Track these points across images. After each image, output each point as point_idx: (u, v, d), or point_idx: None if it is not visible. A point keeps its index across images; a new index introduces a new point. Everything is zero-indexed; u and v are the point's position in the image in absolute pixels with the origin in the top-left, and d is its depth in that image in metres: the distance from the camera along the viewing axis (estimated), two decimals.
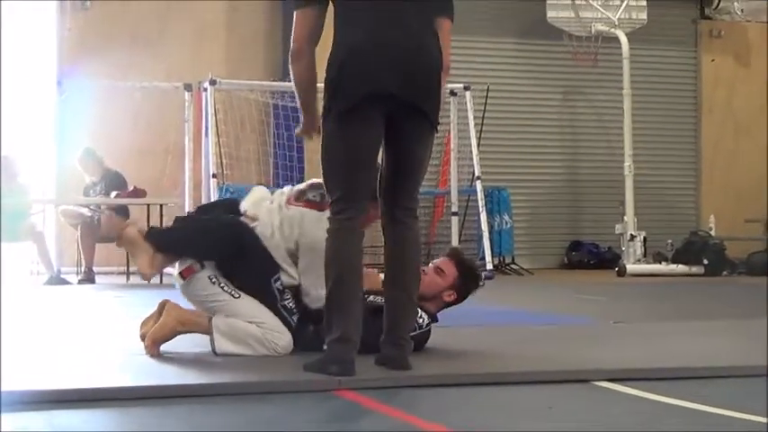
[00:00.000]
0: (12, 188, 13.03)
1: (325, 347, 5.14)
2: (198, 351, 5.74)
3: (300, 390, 4.86)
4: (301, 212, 5.99)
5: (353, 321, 5.11)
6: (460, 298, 6.17)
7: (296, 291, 5.85)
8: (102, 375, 5.17)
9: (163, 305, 5.99)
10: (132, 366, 5.40)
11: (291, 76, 5.59)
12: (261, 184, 8.93)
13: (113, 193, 13.00)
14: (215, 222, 5.99)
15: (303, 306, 5.83)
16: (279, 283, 5.78)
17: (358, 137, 5.21)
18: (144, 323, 6.13)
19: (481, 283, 6.28)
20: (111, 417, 4.41)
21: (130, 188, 13.08)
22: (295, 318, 5.78)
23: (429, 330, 5.99)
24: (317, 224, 5.74)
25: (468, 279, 6.15)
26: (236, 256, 5.82)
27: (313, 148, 16.73)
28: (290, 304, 5.79)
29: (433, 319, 6.09)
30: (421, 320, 5.87)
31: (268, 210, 6.05)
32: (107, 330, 6.98)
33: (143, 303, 8.00)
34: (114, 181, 13.18)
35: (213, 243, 5.84)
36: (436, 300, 6.07)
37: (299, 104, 5.71)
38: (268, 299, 5.75)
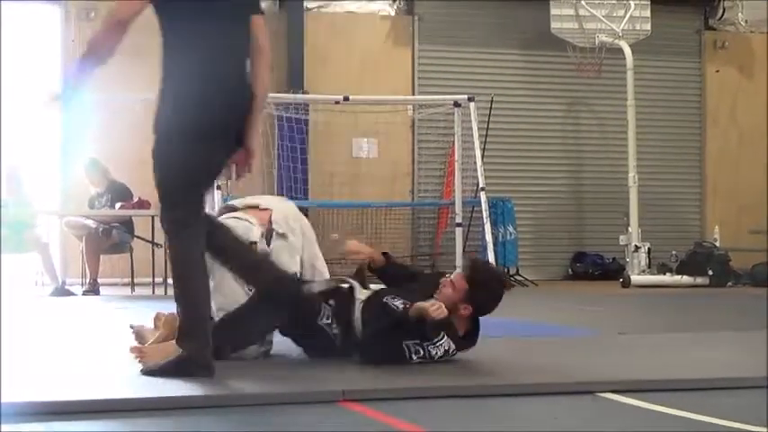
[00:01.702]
0: (16, 199, 13.05)
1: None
2: None
3: (304, 401, 4.85)
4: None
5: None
6: (478, 310, 6.07)
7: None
8: (106, 387, 5.17)
9: (159, 319, 6.06)
10: (135, 378, 5.40)
11: (105, 41, 6.18)
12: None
13: (118, 205, 13.00)
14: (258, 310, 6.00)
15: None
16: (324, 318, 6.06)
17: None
18: (140, 336, 6.19)
19: (499, 292, 6.14)
20: (114, 428, 4.39)
21: (135, 199, 13.08)
22: (335, 330, 6.04)
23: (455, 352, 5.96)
24: None
25: (478, 290, 6.01)
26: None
27: (317, 160, 16.77)
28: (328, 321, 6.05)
29: (466, 339, 6.05)
30: (446, 346, 5.85)
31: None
32: (110, 342, 6.96)
33: (148, 315, 7.99)
34: (119, 192, 13.18)
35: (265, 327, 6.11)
36: (456, 316, 5.97)
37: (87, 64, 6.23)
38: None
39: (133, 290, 12.77)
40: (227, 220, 6.24)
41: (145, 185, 13.37)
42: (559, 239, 17.29)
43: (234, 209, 6.54)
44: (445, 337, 5.84)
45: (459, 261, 15.10)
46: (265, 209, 6.44)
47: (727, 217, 17.30)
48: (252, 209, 6.46)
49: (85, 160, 13.20)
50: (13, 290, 12.12)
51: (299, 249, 6.34)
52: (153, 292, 12.53)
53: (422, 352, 5.78)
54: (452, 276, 6.14)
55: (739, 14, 18.13)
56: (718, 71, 18.05)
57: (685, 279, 15.09)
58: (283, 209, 6.55)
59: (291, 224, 6.38)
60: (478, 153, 14.86)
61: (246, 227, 6.20)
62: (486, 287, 6.09)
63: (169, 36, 5.77)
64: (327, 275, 6.43)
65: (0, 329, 7.17)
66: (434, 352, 5.81)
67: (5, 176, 13.23)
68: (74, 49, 15.02)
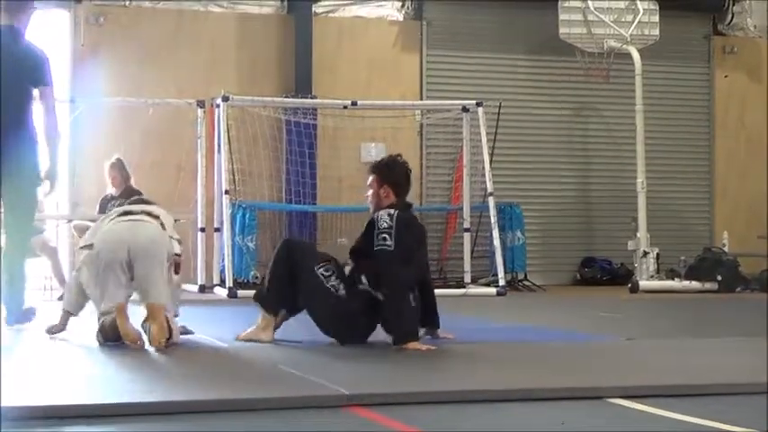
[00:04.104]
0: None
1: None
2: (202, 366, 5.72)
3: (307, 405, 4.83)
4: None
5: None
6: (396, 187, 7.26)
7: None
8: (109, 391, 5.17)
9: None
10: (140, 382, 5.39)
11: None
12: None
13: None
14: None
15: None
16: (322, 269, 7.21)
17: None
18: (127, 333, 6.82)
19: (400, 163, 7.44)
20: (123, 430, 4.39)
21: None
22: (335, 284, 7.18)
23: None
24: None
25: (384, 171, 7.33)
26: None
27: (325, 164, 16.80)
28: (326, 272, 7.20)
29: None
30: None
31: None
32: (117, 346, 6.96)
33: None
34: (131, 195, 13.15)
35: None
36: (382, 203, 7.21)
37: None
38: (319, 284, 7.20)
39: None
40: (141, 222, 7.31)
41: (156, 188, 13.49)
42: (568, 244, 17.26)
43: (131, 212, 7.46)
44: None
45: (467, 266, 15.09)
46: (157, 216, 7.45)
47: (735, 222, 17.27)
48: (143, 213, 7.46)
49: (113, 159, 13.08)
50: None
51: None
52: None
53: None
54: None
55: (748, 20, 18.10)
56: (726, 76, 18.02)
57: (694, 284, 15.04)
58: (165, 215, 7.54)
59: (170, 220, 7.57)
60: (487, 158, 14.85)
61: (169, 240, 7.34)
62: (388, 164, 7.43)
63: None
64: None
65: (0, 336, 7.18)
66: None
67: None
68: (83, 54, 15.08)
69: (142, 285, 7.11)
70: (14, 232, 8.27)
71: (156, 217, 7.47)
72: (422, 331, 7.34)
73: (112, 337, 7.00)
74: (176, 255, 7.40)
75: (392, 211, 7.05)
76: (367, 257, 7.10)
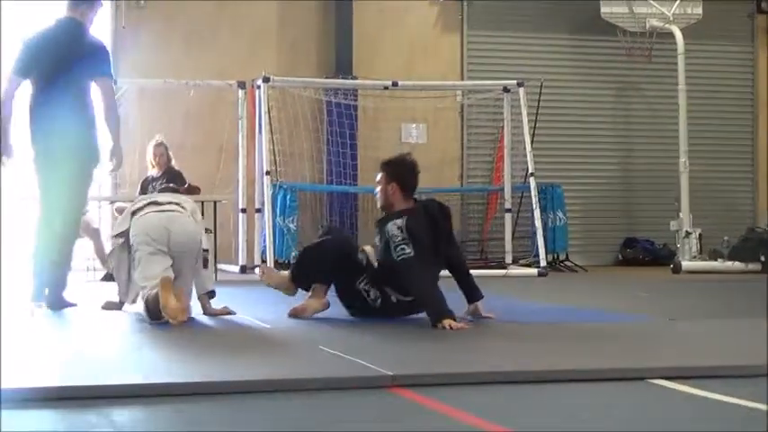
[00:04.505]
0: None
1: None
2: (244, 347, 5.74)
3: (351, 386, 4.85)
4: None
5: None
6: (404, 185, 7.58)
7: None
8: (157, 371, 5.21)
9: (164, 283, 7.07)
10: (184, 362, 5.43)
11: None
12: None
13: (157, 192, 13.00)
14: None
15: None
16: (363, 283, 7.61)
17: None
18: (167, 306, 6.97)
19: (408, 160, 7.74)
20: (159, 413, 4.41)
21: (186, 185, 13.11)
22: (374, 299, 7.58)
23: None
24: None
25: (392, 168, 7.68)
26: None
27: (366, 145, 16.77)
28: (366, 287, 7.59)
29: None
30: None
31: None
32: (162, 327, 7.00)
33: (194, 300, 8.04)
34: (174, 179, 13.21)
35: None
36: (395, 202, 7.59)
37: None
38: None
39: None
40: (178, 214, 7.69)
41: (197, 170, 13.55)
42: (609, 225, 17.20)
43: (159, 203, 7.84)
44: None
45: (508, 246, 15.08)
46: (185, 207, 7.81)
47: None
48: (174, 203, 7.84)
49: (156, 140, 13.15)
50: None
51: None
52: None
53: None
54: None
55: None
56: None
57: (737, 265, 14.95)
58: (192, 206, 7.97)
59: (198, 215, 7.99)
60: (528, 138, 14.81)
61: (202, 234, 7.77)
62: (396, 162, 7.75)
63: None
64: None
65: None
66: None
67: None
68: (124, 36, 15.14)
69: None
70: (70, 213, 8.55)
71: (185, 209, 7.80)
72: (469, 308, 7.67)
73: (155, 313, 7.05)
74: (205, 250, 7.75)
75: (399, 221, 7.34)
76: (389, 268, 7.43)
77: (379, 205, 7.81)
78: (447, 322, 6.91)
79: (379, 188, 7.73)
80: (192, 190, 12.99)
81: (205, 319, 7.61)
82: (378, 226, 7.64)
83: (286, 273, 8.17)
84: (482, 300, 7.73)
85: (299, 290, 7.97)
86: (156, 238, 7.50)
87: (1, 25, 14.25)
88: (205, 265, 7.81)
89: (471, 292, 7.72)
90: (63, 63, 8.46)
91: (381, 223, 7.54)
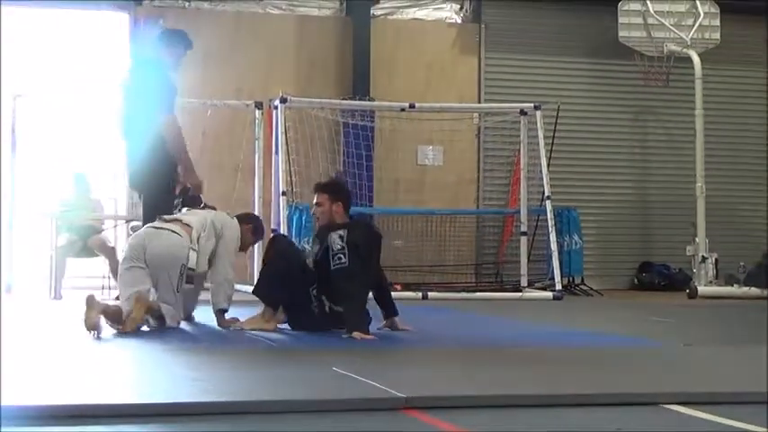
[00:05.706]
0: (84, 204, 13.18)
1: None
2: (257, 367, 5.72)
3: (364, 408, 4.83)
4: None
5: None
6: (346, 203, 8.31)
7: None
8: (169, 391, 5.21)
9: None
10: (198, 381, 5.42)
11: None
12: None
13: (185, 210, 13.03)
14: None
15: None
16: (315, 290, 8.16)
17: None
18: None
19: (340, 183, 9.01)
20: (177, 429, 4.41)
21: (201, 205, 13.11)
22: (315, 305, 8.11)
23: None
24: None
25: (335, 188, 8.48)
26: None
27: (382, 167, 16.75)
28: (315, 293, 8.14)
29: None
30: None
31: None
32: (178, 348, 7.01)
33: (210, 318, 8.05)
34: (190, 199, 13.21)
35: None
36: (337, 220, 8.18)
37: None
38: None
39: None
40: (162, 231, 8.28)
41: (214, 189, 13.56)
42: (625, 249, 17.16)
43: (164, 221, 8.48)
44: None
45: (523, 269, 15.05)
46: (187, 224, 8.47)
47: None
48: (176, 222, 8.52)
49: None
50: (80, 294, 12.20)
51: (207, 252, 8.49)
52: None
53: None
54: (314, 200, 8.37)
55: None
56: None
57: (753, 291, 14.88)
58: (202, 219, 8.70)
59: (208, 229, 8.61)
60: (544, 161, 14.80)
61: (187, 252, 8.24)
62: (337, 184, 8.85)
63: None
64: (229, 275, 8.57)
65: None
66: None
67: (74, 181, 13.39)
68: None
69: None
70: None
71: (187, 225, 8.44)
72: (387, 322, 8.46)
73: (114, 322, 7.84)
74: (190, 269, 8.22)
75: (342, 232, 7.99)
76: (325, 277, 8.04)
77: (320, 224, 8.39)
78: (357, 334, 7.65)
79: (320, 209, 8.31)
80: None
81: (217, 339, 7.67)
82: (318, 236, 8.32)
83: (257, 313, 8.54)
84: (398, 315, 8.48)
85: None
86: (132, 255, 8.18)
87: (1, 28, 14.32)
88: (189, 281, 8.25)
89: (389, 308, 8.49)
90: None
91: (322, 233, 8.18)
